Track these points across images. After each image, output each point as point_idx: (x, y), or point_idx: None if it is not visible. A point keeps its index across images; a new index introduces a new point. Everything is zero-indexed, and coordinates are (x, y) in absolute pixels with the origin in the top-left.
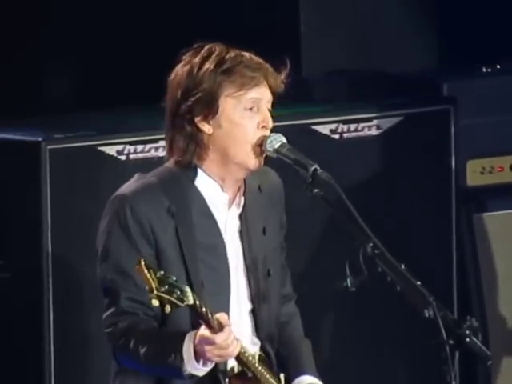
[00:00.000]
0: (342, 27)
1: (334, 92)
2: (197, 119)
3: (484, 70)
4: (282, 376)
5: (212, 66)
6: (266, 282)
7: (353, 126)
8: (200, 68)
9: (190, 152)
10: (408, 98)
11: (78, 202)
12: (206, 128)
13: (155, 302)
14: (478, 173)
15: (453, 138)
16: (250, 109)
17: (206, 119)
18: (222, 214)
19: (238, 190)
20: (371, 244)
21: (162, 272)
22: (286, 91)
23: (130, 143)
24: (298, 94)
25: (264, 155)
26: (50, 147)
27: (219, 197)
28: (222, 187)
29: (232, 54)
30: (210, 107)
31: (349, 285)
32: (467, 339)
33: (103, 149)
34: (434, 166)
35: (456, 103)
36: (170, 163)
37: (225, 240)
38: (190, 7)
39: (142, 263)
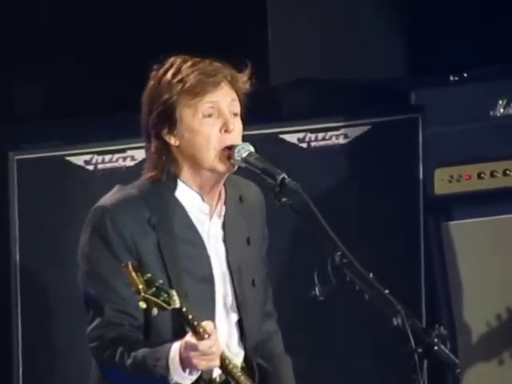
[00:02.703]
0: (310, 35)
1: (302, 100)
2: (163, 133)
3: (451, 78)
4: None
5: (169, 78)
6: (251, 292)
7: (320, 135)
8: (160, 81)
9: (161, 167)
10: (376, 106)
11: (46, 213)
12: (172, 140)
13: (142, 305)
14: (445, 181)
15: (421, 146)
16: (210, 115)
17: (170, 131)
18: (204, 224)
19: (219, 199)
20: (339, 253)
21: (149, 275)
22: (253, 100)
23: (98, 153)
24: (265, 104)
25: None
26: (17, 157)
27: (200, 207)
28: (202, 197)
29: (189, 63)
30: (170, 119)
31: (317, 293)
32: (436, 347)
33: (71, 159)
34: (402, 175)
35: (424, 112)
36: (146, 177)
37: (208, 250)
38: (158, 14)
39: (129, 266)
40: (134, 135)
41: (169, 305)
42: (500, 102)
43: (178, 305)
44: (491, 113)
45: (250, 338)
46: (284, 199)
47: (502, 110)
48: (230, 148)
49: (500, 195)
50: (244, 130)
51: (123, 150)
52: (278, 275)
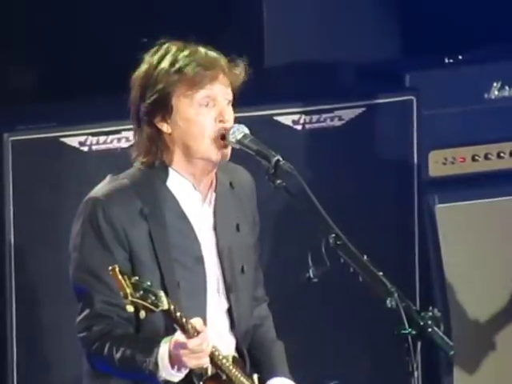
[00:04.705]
0: (305, 17)
1: (297, 82)
2: (155, 120)
3: (446, 60)
4: (255, 377)
5: (166, 66)
6: (240, 279)
7: (315, 117)
8: (156, 68)
9: (153, 153)
10: (370, 88)
11: (41, 193)
12: (165, 128)
13: (130, 308)
14: (440, 163)
15: (415, 128)
16: (206, 105)
17: (163, 119)
18: (195, 213)
19: (210, 186)
20: (333, 235)
21: (137, 277)
22: (249, 82)
23: (92, 134)
24: (260, 86)
25: (229, 147)
26: (12, 139)
27: (192, 195)
28: (194, 186)
29: (186, 52)
30: (165, 107)
31: (311, 275)
32: (429, 329)
33: (65, 140)
34: (397, 157)
35: (418, 94)
36: (138, 164)
37: (199, 239)
38: None
39: (116, 269)
40: (129, 117)
41: (156, 307)
42: (494, 85)
43: (165, 306)
44: (486, 95)
45: (240, 326)
46: (278, 181)
47: (496, 93)
48: (224, 137)
49: (494, 178)
50: (239, 111)
51: (118, 132)
52: (272, 257)
